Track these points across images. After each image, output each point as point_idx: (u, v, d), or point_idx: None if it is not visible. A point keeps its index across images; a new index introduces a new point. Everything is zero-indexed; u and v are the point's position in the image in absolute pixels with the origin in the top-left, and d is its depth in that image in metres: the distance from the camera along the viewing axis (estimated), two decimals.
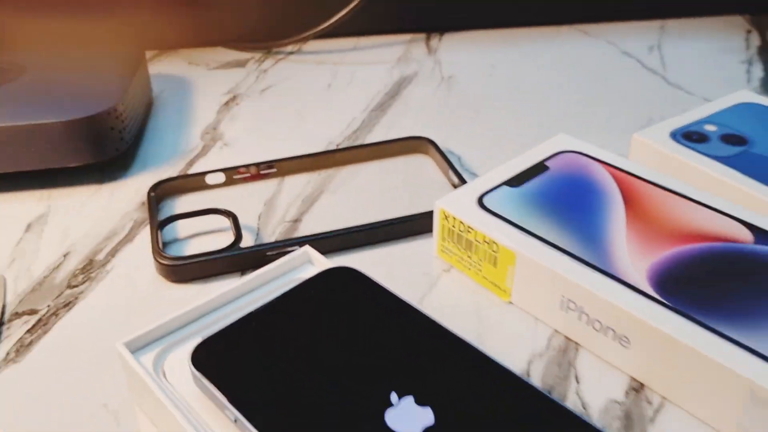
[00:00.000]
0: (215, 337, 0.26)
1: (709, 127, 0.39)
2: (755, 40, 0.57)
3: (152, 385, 0.26)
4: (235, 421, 0.24)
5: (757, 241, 0.30)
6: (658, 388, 0.28)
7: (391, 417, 0.23)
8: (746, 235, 0.31)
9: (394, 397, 0.24)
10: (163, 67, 0.55)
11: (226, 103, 0.50)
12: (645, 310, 0.27)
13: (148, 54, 0.57)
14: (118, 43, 0.49)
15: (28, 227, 0.38)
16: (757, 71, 0.52)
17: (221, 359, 0.25)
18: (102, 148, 0.41)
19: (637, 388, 0.28)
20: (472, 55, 0.56)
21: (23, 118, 0.39)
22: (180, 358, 0.28)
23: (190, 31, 0.57)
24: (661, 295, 0.28)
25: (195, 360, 0.25)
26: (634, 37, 0.58)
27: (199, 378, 0.25)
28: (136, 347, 0.28)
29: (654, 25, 0.60)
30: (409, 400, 0.24)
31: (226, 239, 0.36)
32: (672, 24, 0.60)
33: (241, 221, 0.38)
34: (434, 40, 0.59)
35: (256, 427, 0.23)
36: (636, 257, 0.30)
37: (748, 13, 0.62)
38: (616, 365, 0.29)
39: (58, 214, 0.39)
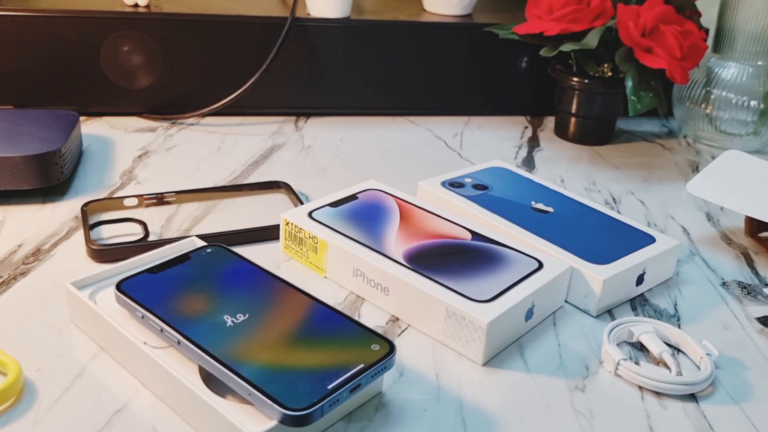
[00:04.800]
0: (130, 278, 0.43)
1: (467, 180, 0.60)
2: (528, 132, 0.81)
3: (90, 305, 0.42)
4: (143, 317, 0.40)
5: (473, 239, 0.50)
6: (405, 318, 0.46)
7: (226, 319, 0.40)
8: (467, 235, 0.51)
9: (227, 315, 0.41)
10: (91, 129, 0.72)
11: (140, 156, 0.67)
12: (398, 272, 0.46)
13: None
14: (60, 106, 0.65)
15: None
16: (523, 153, 0.75)
17: (134, 288, 0.42)
18: (47, 177, 0.57)
19: (394, 320, 0.47)
20: (328, 133, 0.76)
21: None
22: (107, 294, 0.44)
23: (113, 102, 0.75)
24: (409, 264, 0.47)
25: (118, 288, 0.42)
26: (445, 127, 0.80)
27: (121, 297, 0.41)
28: (79, 286, 0.44)
29: (462, 119, 0.83)
30: (237, 313, 0.41)
31: (137, 238, 0.52)
32: (475, 120, 0.83)
33: (149, 230, 0.54)
34: (301, 122, 0.79)
35: (159, 318, 0.39)
36: (399, 246, 0.49)
37: (529, 114, 0.86)
38: (383, 308, 0.47)
39: (13, 221, 0.54)
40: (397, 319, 0.47)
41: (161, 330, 0.39)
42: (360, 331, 0.39)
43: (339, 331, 0.39)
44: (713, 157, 0.77)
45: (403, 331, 0.46)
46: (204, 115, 0.76)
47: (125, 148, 0.68)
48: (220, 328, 0.39)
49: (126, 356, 0.40)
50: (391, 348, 0.38)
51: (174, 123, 0.75)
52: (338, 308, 0.41)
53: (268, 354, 0.37)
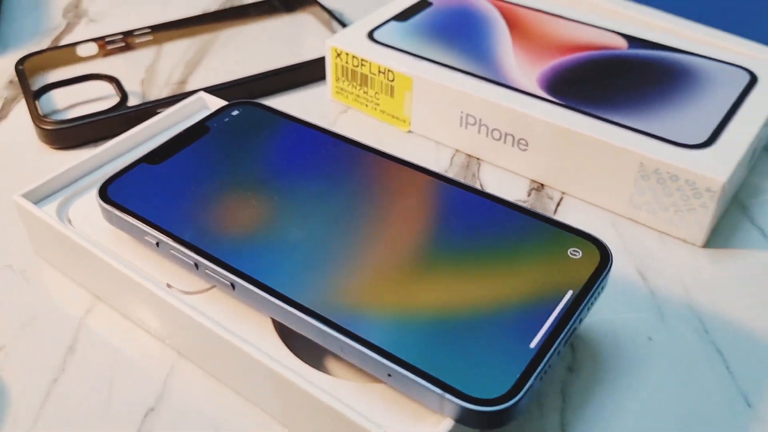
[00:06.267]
0: (120, 176, 0.25)
1: None
2: None
3: (60, 228, 0.24)
4: (158, 244, 0.23)
5: (630, 47, 0.32)
6: (556, 184, 0.30)
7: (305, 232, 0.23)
8: (621, 43, 0.33)
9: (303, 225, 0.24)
10: None
11: None
12: (540, 110, 0.29)
13: None
14: None
15: None
16: None
17: (132, 193, 0.24)
18: None
19: (537, 188, 0.30)
20: None
21: None
22: (85, 204, 0.26)
23: None
24: (553, 96, 0.30)
25: (103, 196, 0.24)
26: None
27: (112, 211, 0.24)
28: (37, 198, 0.26)
29: None
30: (320, 221, 0.24)
31: (111, 104, 0.34)
32: None
33: (125, 90, 0.36)
34: None
35: (184, 241, 0.22)
36: (525, 68, 0.31)
37: None
38: (516, 171, 0.31)
39: None
40: (542, 186, 0.30)
41: (196, 265, 0.22)
42: (540, 227, 0.23)
43: (504, 234, 0.23)
44: None
45: (557, 204, 0.29)
46: None
47: None
48: (302, 253, 0.22)
49: (143, 311, 0.24)
50: (603, 252, 0.22)
51: None
52: (463, 181, 0.25)
53: (404, 293, 0.21)
